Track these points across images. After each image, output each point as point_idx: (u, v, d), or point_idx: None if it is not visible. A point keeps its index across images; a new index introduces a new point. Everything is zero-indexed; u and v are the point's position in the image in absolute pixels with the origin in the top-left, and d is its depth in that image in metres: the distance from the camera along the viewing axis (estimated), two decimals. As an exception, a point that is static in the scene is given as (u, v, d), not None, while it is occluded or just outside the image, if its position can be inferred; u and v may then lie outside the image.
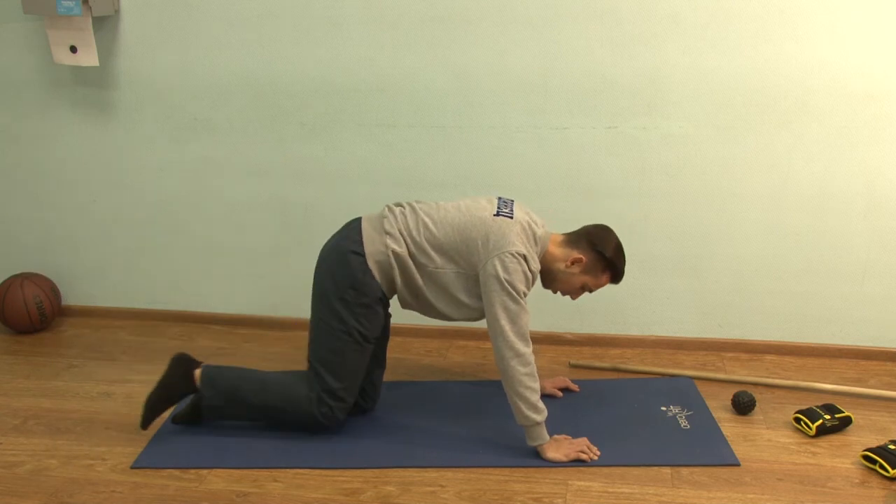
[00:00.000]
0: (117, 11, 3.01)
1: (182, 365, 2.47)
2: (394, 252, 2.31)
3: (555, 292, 2.49)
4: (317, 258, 2.48)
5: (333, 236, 2.44)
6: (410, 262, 2.32)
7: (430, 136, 2.97)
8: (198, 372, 2.46)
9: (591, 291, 2.46)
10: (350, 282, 2.32)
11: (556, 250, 2.39)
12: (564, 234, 2.44)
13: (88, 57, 3.00)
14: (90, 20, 2.94)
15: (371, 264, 2.31)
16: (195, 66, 3.03)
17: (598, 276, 2.41)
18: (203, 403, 2.44)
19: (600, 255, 2.37)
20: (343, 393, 2.40)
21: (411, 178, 3.02)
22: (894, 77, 2.66)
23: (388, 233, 2.33)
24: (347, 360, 2.38)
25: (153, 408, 2.43)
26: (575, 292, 2.46)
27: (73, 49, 2.99)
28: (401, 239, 2.32)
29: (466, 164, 2.98)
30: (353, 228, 2.38)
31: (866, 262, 2.87)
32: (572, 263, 2.38)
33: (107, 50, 3.07)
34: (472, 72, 2.87)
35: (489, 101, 2.89)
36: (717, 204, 2.88)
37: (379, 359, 2.55)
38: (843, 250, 2.87)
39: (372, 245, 2.32)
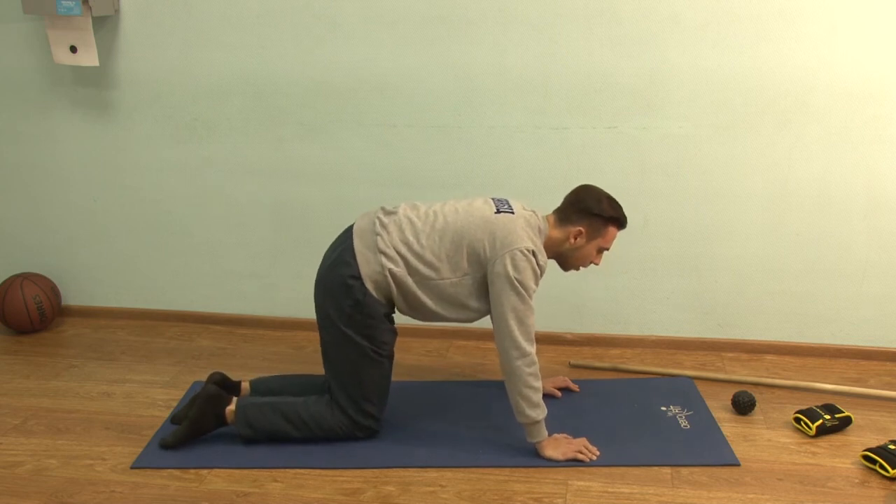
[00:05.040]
0: (117, 11, 3.01)
1: (212, 405, 2.40)
2: (390, 272, 2.27)
3: (577, 269, 2.47)
4: (317, 261, 2.48)
5: (327, 257, 2.39)
6: (409, 280, 2.28)
7: (429, 136, 2.97)
8: (230, 409, 2.40)
9: (608, 249, 2.44)
10: (353, 306, 2.29)
11: (556, 233, 2.38)
12: (554, 214, 2.42)
13: (88, 57, 3.00)
14: (90, 20, 2.94)
15: (369, 285, 2.27)
16: (195, 66, 3.03)
17: (604, 234, 2.38)
18: (241, 438, 2.41)
19: (597, 216, 2.35)
20: (375, 410, 2.40)
21: (411, 178, 3.02)
22: (894, 77, 2.66)
23: (382, 252, 2.28)
24: (371, 379, 2.36)
25: (181, 440, 2.39)
26: (595, 258, 2.43)
27: (73, 49, 2.99)
28: (397, 257, 2.28)
29: (466, 164, 2.98)
30: (346, 250, 2.32)
31: (866, 262, 2.87)
32: (575, 238, 2.37)
33: (107, 50, 3.07)
34: (472, 72, 2.87)
35: (489, 101, 2.89)
36: (717, 204, 2.88)
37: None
38: (843, 250, 2.87)
39: (367, 266, 2.28)
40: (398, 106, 2.95)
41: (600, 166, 2.89)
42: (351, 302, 2.29)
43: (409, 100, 2.93)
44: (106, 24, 3.04)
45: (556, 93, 2.84)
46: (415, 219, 2.33)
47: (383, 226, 2.33)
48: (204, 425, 2.40)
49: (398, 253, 2.28)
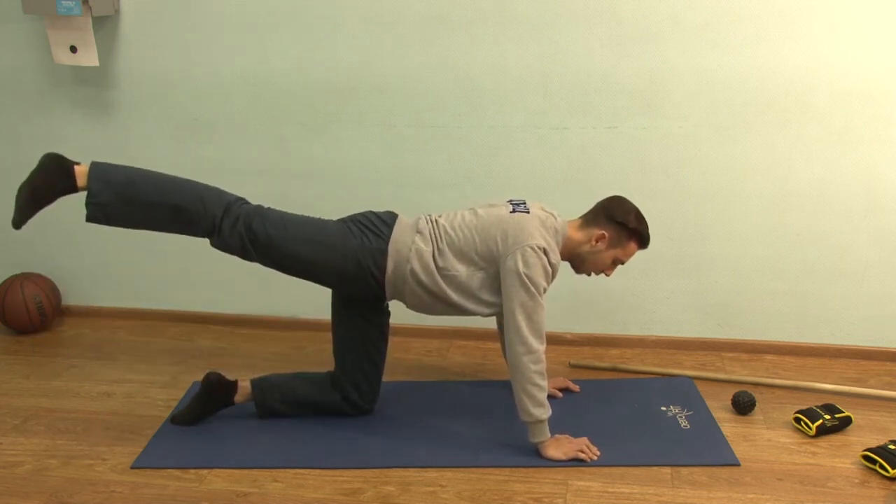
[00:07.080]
0: (117, 11, 3.01)
1: (58, 159, 2.25)
2: (417, 249, 2.32)
3: (588, 274, 2.50)
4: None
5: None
6: (432, 262, 2.32)
7: (429, 136, 2.97)
8: (81, 168, 2.24)
9: (622, 263, 2.47)
10: (363, 237, 2.34)
11: (577, 234, 2.41)
12: (581, 217, 2.47)
13: (88, 57, 3.00)
14: (90, 20, 2.95)
15: (391, 251, 2.32)
16: (195, 66, 3.03)
17: (625, 246, 2.42)
18: (90, 201, 2.23)
19: (622, 225, 2.39)
20: (258, 214, 2.35)
21: (411, 178, 3.02)
22: (894, 77, 2.66)
23: (419, 231, 2.35)
24: (290, 217, 2.39)
25: (26, 206, 2.21)
26: (608, 268, 2.46)
27: (73, 49, 2.99)
28: (429, 239, 2.34)
29: (466, 164, 2.98)
30: (390, 214, 2.42)
31: (866, 262, 2.87)
32: (596, 242, 2.40)
33: (107, 50, 3.07)
34: (472, 72, 2.87)
35: (489, 101, 2.89)
36: (717, 204, 2.88)
37: (378, 358, 2.55)
38: (843, 250, 2.87)
39: (401, 234, 2.34)
40: (398, 106, 2.95)
41: (600, 166, 2.90)
42: (366, 239, 2.33)
43: (409, 100, 2.93)
44: (106, 24, 3.04)
45: (556, 93, 2.84)
46: (440, 220, 2.42)
47: (426, 219, 2.42)
48: (49, 179, 2.22)
49: (430, 237, 2.35)
